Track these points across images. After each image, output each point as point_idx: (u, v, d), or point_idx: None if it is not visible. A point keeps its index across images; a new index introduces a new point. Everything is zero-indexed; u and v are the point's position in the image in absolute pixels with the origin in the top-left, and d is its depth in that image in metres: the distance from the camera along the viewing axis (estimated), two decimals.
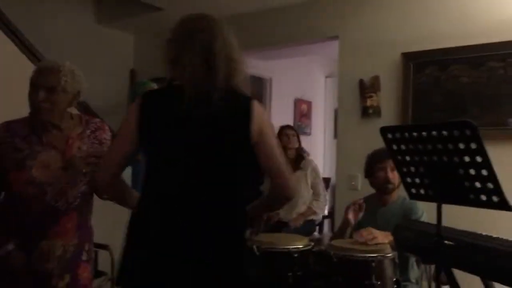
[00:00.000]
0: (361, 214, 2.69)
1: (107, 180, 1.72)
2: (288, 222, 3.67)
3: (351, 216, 2.67)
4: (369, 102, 3.65)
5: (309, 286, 2.29)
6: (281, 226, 3.70)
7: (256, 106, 1.66)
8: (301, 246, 2.34)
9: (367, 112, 3.67)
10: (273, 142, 1.70)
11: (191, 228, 1.58)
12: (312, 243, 2.45)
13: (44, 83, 1.94)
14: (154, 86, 3.47)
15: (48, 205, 1.94)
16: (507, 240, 1.72)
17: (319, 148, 6.48)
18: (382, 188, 2.79)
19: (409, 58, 3.48)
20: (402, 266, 2.44)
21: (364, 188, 3.08)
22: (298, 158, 3.84)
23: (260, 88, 5.63)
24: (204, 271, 1.58)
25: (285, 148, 3.84)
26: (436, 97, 3.36)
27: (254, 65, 5.38)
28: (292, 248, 2.29)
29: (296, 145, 3.87)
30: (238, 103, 1.65)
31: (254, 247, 2.32)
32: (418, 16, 3.48)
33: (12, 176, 1.96)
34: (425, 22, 3.45)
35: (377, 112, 3.64)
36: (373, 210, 2.82)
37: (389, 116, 3.59)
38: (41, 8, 3.60)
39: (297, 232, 3.41)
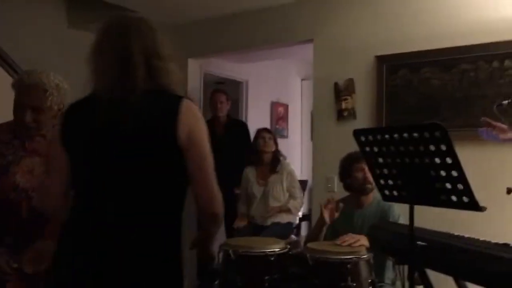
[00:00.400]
0: (337, 214, 2.71)
1: (55, 203, 1.58)
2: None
3: (326, 215, 2.69)
4: (344, 105, 3.68)
5: None
6: (259, 230, 3.70)
7: (186, 106, 1.49)
8: (277, 250, 2.35)
9: (342, 115, 3.70)
10: (205, 150, 1.53)
11: (108, 246, 1.43)
12: (289, 246, 2.46)
13: (30, 102, 1.92)
14: None
15: (35, 210, 1.91)
16: (479, 240, 1.76)
17: (296, 150, 6.50)
18: (360, 189, 2.81)
19: (382, 61, 3.52)
20: (377, 267, 2.46)
21: (341, 190, 3.10)
22: (274, 162, 3.85)
23: (236, 91, 5.62)
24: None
25: (261, 152, 3.85)
26: (409, 99, 3.41)
27: (230, 68, 5.39)
28: (269, 251, 2.30)
29: (273, 149, 3.87)
30: (164, 104, 1.50)
31: (230, 251, 2.32)
32: (391, 19, 3.53)
33: None
34: (398, 25, 3.49)
35: (352, 114, 3.67)
36: (350, 213, 2.84)
37: (364, 118, 3.62)
38: (13, 15, 3.54)
39: (274, 235, 3.41)
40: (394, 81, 3.48)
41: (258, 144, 3.87)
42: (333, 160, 3.15)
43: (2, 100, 2.18)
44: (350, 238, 2.41)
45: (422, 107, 3.35)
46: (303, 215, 4.24)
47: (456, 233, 1.95)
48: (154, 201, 1.47)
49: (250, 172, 3.89)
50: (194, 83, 4.62)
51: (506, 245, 1.63)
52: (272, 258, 2.28)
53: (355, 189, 2.87)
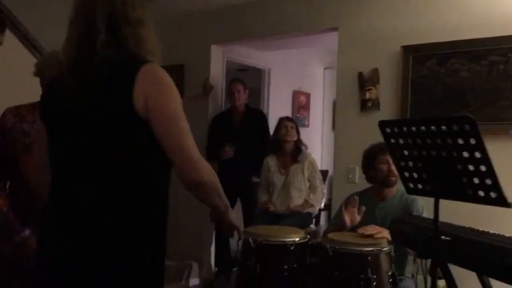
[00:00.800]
0: (359, 218, 2.64)
1: (41, 179, 1.53)
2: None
3: (348, 219, 2.64)
4: (368, 95, 3.63)
5: (304, 279, 2.29)
6: (278, 219, 3.69)
7: (144, 70, 1.33)
8: (297, 239, 2.34)
9: (366, 105, 3.65)
10: (171, 114, 1.35)
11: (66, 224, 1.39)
12: (308, 236, 2.45)
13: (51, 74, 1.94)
14: None
15: None
16: (504, 236, 1.72)
17: (317, 140, 6.46)
18: (384, 181, 2.77)
19: (408, 51, 3.45)
20: (398, 260, 2.43)
21: (362, 181, 3.06)
22: (296, 151, 3.82)
23: (258, 79, 5.59)
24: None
25: (283, 141, 3.82)
26: (436, 91, 3.34)
27: (253, 55, 5.36)
28: (288, 240, 2.29)
29: (295, 138, 3.85)
30: (122, 72, 1.35)
31: (250, 239, 2.31)
32: (418, 8, 3.45)
33: (21, 161, 1.97)
34: (426, 15, 3.41)
35: (376, 105, 3.62)
36: (371, 205, 2.80)
37: (388, 109, 3.57)
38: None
39: (294, 224, 3.40)
40: (421, 72, 3.40)
41: (280, 133, 3.85)
42: (355, 151, 3.12)
43: (27, 80, 2.21)
44: (372, 228, 2.38)
45: (449, 99, 3.28)
46: (324, 205, 4.22)
47: (480, 229, 1.92)
48: (126, 185, 1.37)
49: (271, 161, 3.88)
50: (216, 70, 4.61)
51: None
52: (292, 248, 2.26)
53: (379, 181, 2.83)
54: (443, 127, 1.58)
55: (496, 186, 1.51)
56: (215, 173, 1.44)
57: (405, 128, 1.74)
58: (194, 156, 1.36)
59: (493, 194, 1.54)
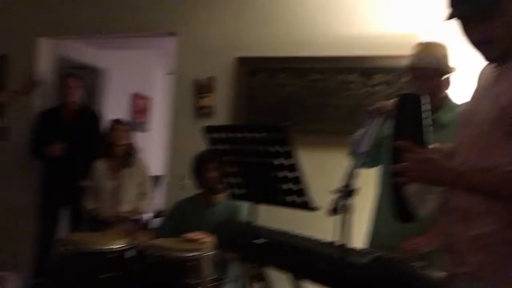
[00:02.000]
0: None
1: None
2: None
3: None
4: (203, 103, 3.67)
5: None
6: (106, 225, 3.50)
7: None
8: (117, 246, 2.24)
9: (201, 112, 3.69)
10: None
11: None
12: (134, 243, 2.36)
13: None
14: None
15: None
16: (319, 241, 1.85)
17: (158, 145, 6.34)
18: (212, 187, 2.82)
19: (243, 62, 3.58)
20: (222, 264, 2.48)
21: (195, 187, 3.07)
22: (128, 156, 3.68)
23: (94, 79, 5.29)
24: None
25: (114, 144, 3.66)
26: (266, 103, 3.52)
27: (89, 53, 5.06)
28: (107, 248, 2.18)
29: (127, 142, 3.71)
30: None
31: (67, 247, 2.15)
32: (254, 22, 3.61)
33: None
34: (260, 29, 3.58)
35: (211, 113, 3.68)
36: (201, 211, 2.83)
37: (222, 117, 3.65)
38: None
39: (122, 231, 3.26)
40: (253, 84, 3.56)
41: (111, 136, 3.68)
42: (189, 157, 3.12)
43: None
44: (198, 234, 2.40)
45: (277, 112, 3.48)
46: (157, 212, 4.13)
47: (300, 233, 2.04)
48: None
49: (100, 165, 3.68)
50: (45, 65, 4.25)
51: (331, 243, 1.72)
52: (111, 255, 2.16)
53: (207, 187, 2.87)
54: (261, 134, 1.65)
55: (305, 192, 1.62)
56: None
57: (227, 134, 1.78)
58: None
59: (302, 199, 1.65)
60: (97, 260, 2.15)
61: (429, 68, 1.99)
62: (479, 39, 1.29)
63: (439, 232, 1.90)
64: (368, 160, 2.18)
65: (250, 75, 3.56)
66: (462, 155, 1.35)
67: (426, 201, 1.42)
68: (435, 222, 1.90)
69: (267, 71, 3.52)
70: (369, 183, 2.68)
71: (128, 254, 2.33)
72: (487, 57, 1.34)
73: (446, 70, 2.01)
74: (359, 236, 2.56)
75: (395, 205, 1.54)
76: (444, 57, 1.99)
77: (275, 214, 2.05)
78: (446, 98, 2.08)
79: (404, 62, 2.17)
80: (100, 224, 3.49)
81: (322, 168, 3.11)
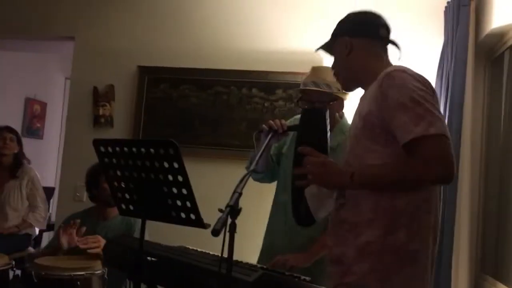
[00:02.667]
0: (78, 239, 2.48)
1: None
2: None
3: (65, 241, 2.46)
4: (101, 111, 3.53)
5: None
6: None
7: None
8: None
9: (99, 121, 3.55)
10: None
11: None
12: (13, 262, 2.19)
13: None
14: None
15: None
16: (208, 255, 1.84)
17: (53, 154, 6.00)
18: (106, 200, 2.70)
19: (144, 71, 3.51)
20: (114, 282, 2.38)
21: (89, 200, 2.93)
22: (15, 165, 3.43)
23: None
24: None
25: (0, 154, 3.40)
26: (168, 113, 3.47)
27: None
28: None
29: (15, 150, 3.46)
30: None
31: None
32: (156, 31, 3.55)
33: None
34: (162, 38, 3.53)
35: (109, 122, 3.55)
36: (93, 224, 2.70)
37: (121, 127, 3.54)
38: None
39: (7, 248, 3.02)
40: (155, 94, 3.49)
41: None
42: (85, 168, 2.97)
43: None
44: (94, 240, 2.29)
45: (179, 123, 3.44)
46: (47, 225, 3.88)
47: (191, 247, 2.02)
48: None
49: None
50: None
51: (220, 259, 1.71)
52: None
53: (102, 200, 2.75)
54: (151, 150, 1.61)
55: (195, 209, 1.60)
56: None
57: (117, 148, 1.72)
58: None
59: (192, 216, 1.63)
60: None
61: (320, 92, 2.05)
62: (334, 71, 1.65)
63: (323, 245, 1.98)
64: (268, 174, 2.24)
65: (152, 85, 3.50)
66: (348, 164, 1.48)
67: (324, 204, 1.48)
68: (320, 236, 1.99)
69: (169, 82, 3.47)
70: (261, 197, 2.75)
71: (12, 274, 2.15)
72: (340, 84, 1.68)
73: (337, 94, 2.07)
74: (251, 250, 2.61)
75: (294, 208, 1.60)
76: (333, 82, 2.01)
77: (167, 229, 2.01)
78: (337, 121, 2.16)
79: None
80: None
81: (223, 181, 3.11)
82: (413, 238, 1.35)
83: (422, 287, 1.38)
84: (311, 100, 2.07)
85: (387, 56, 1.58)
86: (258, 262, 2.18)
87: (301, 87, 2.13)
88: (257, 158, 1.65)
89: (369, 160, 1.39)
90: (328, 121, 1.61)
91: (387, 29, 1.58)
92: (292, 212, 1.62)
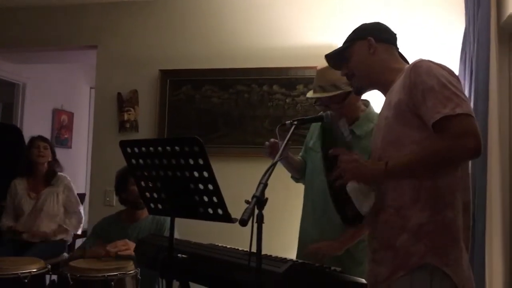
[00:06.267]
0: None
1: None
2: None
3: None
4: (126, 116, 3.59)
5: None
6: (26, 248, 3.32)
7: None
8: (34, 270, 2.12)
9: (125, 127, 3.61)
10: None
11: None
12: (49, 266, 2.25)
13: None
14: None
15: None
16: (237, 251, 1.85)
17: (81, 162, 6.12)
18: (135, 202, 2.75)
19: (166, 75, 3.55)
20: (146, 281, 2.42)
21: (120, 204, 2.99)
22: (49, 174, 3.52)
23: (10, 94, 5.03)
24: None
25: (35, 163, 3.49)
26: (191, 115, 3.50)
27: (4, 68, 4.81)
28: (22, 272, 2.06)
29: (49, 159, 3.54)
30: None
31: None
32: (175, 36, 3.60)
33: None
34: (183, 42, 3.58)
35: (134, 126, 3.61)
36: (124, 227, 2.75)
37: (146, 131, 3.59)
38: None
39: (43, 253, 3.10)
40: (178, 96, 3.54)
41: (32, 153, 3.50)
42: (113, 173, 3.03)
43: None
44: (123, 243, 2.34)
45: (202, 123, 3.48)
46: (81, 231, 3.97)
47: (220, 244, 2.04)
48: None
49: (19, 184, 3.49)
50: None
51: (248, 253, 1.73)
52: (26, 280, 2.04)
53: (130, 203, 2.80)
54: (176, 148, 1.63)
55: (221, 204, 1.62)
56: None
57: (143, 148, 1.75)
58: None
59: (220, 211, 1.64)
60: (12, 285, 2.02)
61: (329, 97, 2.04)
62: (345, 72, 1.70)
63: (353, 234, 1.98)
64: (304, 177, 2.27)
65: (174, 88, 3.54)
66: (379, 153, 1.54)
67: (367, 197, 1.52)
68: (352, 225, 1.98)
69: (191, 84, 3.51)
70: (288, 192, 2.75)
71: (48, 279, 2.21)
72: (353, 86, 1.72)
73: (346, 92, 2.03)
74: (280, 244, 2.61)
75: (340, 211, 1.66)
76: (340, 80, 1.97)
77: (196, 227, 2.04)
78: (361, 110, 2.15)
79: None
80: (22, 245, 3.32)
81: (248, 179, 3.12)
82: (458, 214, 1.42)
83: (468, 257, 1.45)
84: (324, 104, 2.07)
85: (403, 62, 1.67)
86: (297, 256, 2.19)
87: (311, 94, 2.13)
88: (281, 150, 1.65)
89: (405, 145, 1.45)
90: (347, 128, 1.71)
91: (396, 40, 1.70)
92: (339, 216, 1.68)
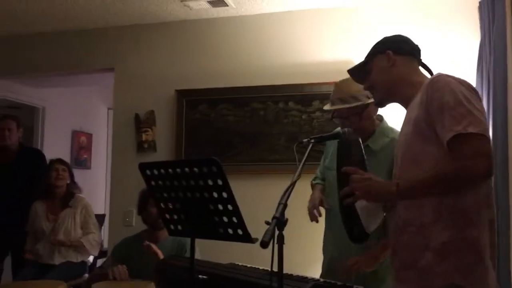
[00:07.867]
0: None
1: None
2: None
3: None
4: (144, 137, 3.63)
5: None
6: (47, 270, 3.35)
7: None
8: None
9: (143, 147, 3.65)
10: None
11: None
12: None
13: None
14: None
15: None
16: (258, 270, 1.85)
17: (100, 182, 6.19)
18: (154, 223, 2.76)
19: (182, 95, 3.59)
20: None
21: (139, 225, 3.00)
22: (67, 195, 3.56)
23: (31, 117, 5.13)
24: None
25: (53, 185, 3.54)
26: (207, 133, 3.53)
27: (25, 92, 4.92)
28: None
29: (67, 181, 3.59)
30: None
31: None
32: (190, 56, 3.65)
33: None
34: (198, 62, 3.62)
35: (152, 146, 3.64)
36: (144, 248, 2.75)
37: (164, 151, 3.62)
38: None
39: (64, 276, 3.12)
40: (194, 115, 3.57)
41: (50, 176, 3.55)
42: (132, 194, 3.06)
43: None
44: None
45: (218, 141, 3.50)
46: (100, 252, 3.99)
47: (240, 263, 2.03)
48: None
49: (39, 207, 3.54)
50: None
51: (270, 272, 1.72)
52: None
53: (151, 223, 2.82)
54: (195, 169, 1.64)
55: (241, 224, 1.62)
56: None
57: (162, 170, 1.76)
58: None
59: (239, 231, 1.64)
60: None
61: (348, 108, 2.04)
62: (368, 85, 1.71)
63: (386, 247, 1.96)
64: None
65: (190, 108, 3.57)
66: (399, 171, 1.53)
67: (375, 216, 1.52)
68: (376, 243, 1.97)
69: (206, 103, 3.54)
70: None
71: None
72: (375, 99, 1.73)
73: (365, 104, 2.03)
74: (300, 263, 2.58)
75: (347, 228, 1.64)
76: (359, 92, 2.00)
77: (217, 247, 2.04)
78: (375, 125, 2.14)
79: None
80: (43, 266, 3.35)
81: (265, 196, 3.13)
82: (482, 232, 1.39)
83: (495, 275, 1.42)
84: (342, 116, 2.07)
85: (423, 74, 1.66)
86: (321, 276, 2.17)
87: (329, 107, 2.13)
88: (299, 169, 1.65)
89: (424, 162, 1.43)
90: (362, 147, 1.67)
91: (419, 52, 1.69)
92: (346, 232, 1.66)
